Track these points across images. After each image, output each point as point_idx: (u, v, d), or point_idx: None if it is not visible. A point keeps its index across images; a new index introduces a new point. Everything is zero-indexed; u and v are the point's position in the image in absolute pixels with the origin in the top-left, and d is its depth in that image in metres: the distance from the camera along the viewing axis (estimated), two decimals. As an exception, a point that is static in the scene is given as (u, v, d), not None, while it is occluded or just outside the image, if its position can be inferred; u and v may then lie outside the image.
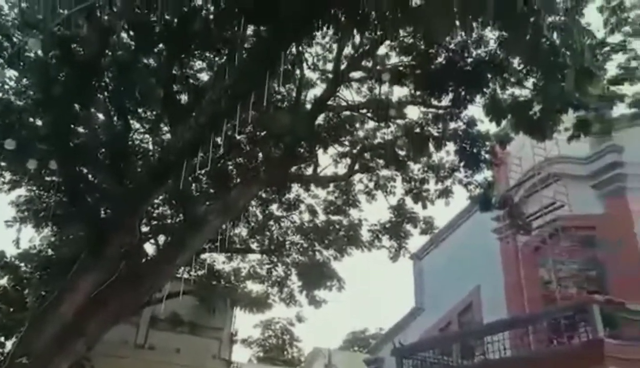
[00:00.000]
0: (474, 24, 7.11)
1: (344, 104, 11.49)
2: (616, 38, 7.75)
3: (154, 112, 12.00)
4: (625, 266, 13.28)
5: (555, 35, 6.61)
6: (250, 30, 7.96)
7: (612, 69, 7.86)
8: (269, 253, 16.82)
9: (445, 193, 12.55)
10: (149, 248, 14.94)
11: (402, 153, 12.14)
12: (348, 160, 13.41)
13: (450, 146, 11.20)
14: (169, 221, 15.46)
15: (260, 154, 12.29)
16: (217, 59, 10.62)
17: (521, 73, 8.00)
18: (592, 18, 7.72)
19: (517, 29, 6.38)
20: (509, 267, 16.78)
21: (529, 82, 8.14)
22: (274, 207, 15.75)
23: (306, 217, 15.98)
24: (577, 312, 10.51)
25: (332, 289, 16.31)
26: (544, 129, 7.93)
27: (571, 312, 10.87)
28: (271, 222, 16.08)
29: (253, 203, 14.92)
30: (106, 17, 8.21)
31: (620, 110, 8.28)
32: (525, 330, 11.97)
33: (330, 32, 9.98)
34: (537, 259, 15.90)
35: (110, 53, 9.83)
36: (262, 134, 11.91)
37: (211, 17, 8.38)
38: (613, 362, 9.24)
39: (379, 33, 8.92)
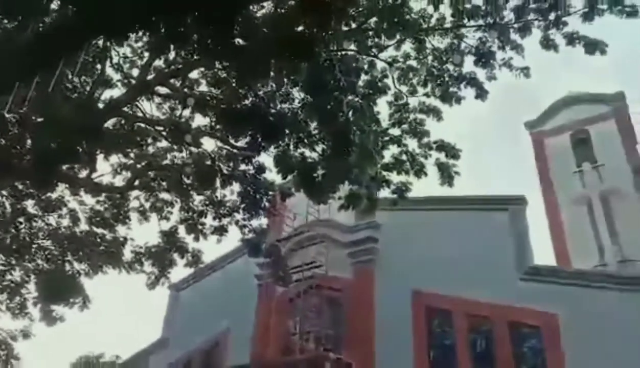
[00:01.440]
0: (286, 80, 7.54)
1: (140, 114, 10.92)
2: (396, 132, 8.95)
3: None
4: (359, 330, 14.84)
5: (350, 113, 7.40)
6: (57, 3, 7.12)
7: (387, 157, 8.99)
8: (8, 253, 14.56)
9: (221, 230, 12.56)
10: None
11: (187, 181, 11.92)
12: (129, 174, 12.63)
13: (236, 186, 11.37)
14: None
15: (29, 140, 10.81)
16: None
17: (314, 137, 8.59)
18: (382, 109, 8.83)
19: (321, 97, 6.95)
20: (262, 314, 17.40)
21: (319, 148, 8.76)
22: (29, 203, 13.85)
23: (65, 222, 14.40)
24: (311, 366, 11.31)
25: (73, 306, 14.67)
26: (322, 193, 8.58)
27: (307, 365, 11.65)
28: (21, 219, 14.05)
29: (4, 192, 12.94)
30: None
31: (384, 193, 9.43)
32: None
33: (146, 38, 9.54)
34: (289, 311, 16.81)
35: None
36: (38, 119, 10.54)
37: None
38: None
39: (195, 57, 8.83)
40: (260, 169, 10.86)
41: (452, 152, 8.67)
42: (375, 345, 14.47)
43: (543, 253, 20.26)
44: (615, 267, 19.00)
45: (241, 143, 10.04)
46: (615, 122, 22.88)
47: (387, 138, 8.80)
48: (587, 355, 11.65)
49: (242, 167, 11.05)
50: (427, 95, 8.71)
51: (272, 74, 6.21)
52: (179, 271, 14.82)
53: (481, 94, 8.29)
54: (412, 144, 8.95)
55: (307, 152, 9.04)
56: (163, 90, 10.71)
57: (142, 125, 11.57)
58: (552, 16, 7.56)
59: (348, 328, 15.46)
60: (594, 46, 7.37)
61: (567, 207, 22.17)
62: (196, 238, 13.13)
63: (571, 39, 7.54)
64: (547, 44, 7.74)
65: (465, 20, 7.89)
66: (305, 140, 8.69)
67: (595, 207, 21.49)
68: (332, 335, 15.52)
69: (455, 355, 13.64)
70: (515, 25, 7.74)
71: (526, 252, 13.98)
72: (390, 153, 9.00)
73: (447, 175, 8.62)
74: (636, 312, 11.74)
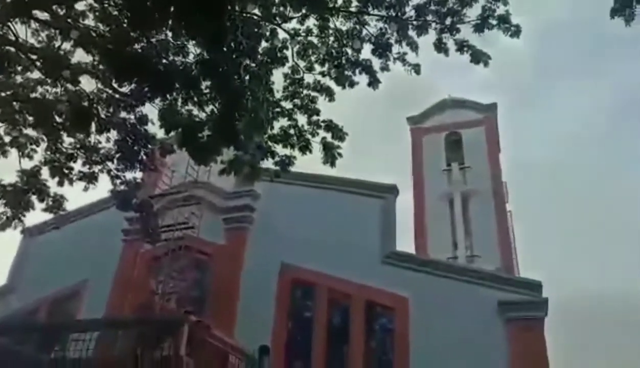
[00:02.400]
0: (184, 31, 7.21)
1: (12, 38, 9.77)
2: (288, 105, 8.98)
3: None
4: (223, 296, 14.89)
5: (246, 78, 7.29)
6: None
7: (275, 128, 8.99)
8: None
9: (90, 178, 11.71)
10: None
11: (58, 119, 10.94)
12: (-9, 102, 11.31)
13: (113, 134, 10.69)
14: None
15: None
16: None
17: (205, 96, 8.34)
18: (277, 80, 8.81)
19: (218, 56, 6.75)
20: (124, 269, 16.75)
21: (209, 108, 8.54)
22: None
23: None
24: (169, 326, 11.13)
25: None
26: (205, 154, 8.40)
27: (164, 325, 11.45)
28: None
29: None
30: None
31: (268, 164, 9.46)
32: (116, 333, 11.97)
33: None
34: (154, 269, 16.34)
35: None
36: None
37: None
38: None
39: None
40: (143, 119, 10.33)
41: (338, 133, 8.91)
42: (238, 312, 14.64)
43: (405, 242, 21.75)
44: (464, 260, 20.97)
45: (125, 89, 9.45)
46: (484, 129, 25.01)
47: (278, 109, 8.80)
48: (429, 337, 12.82)
49: (123, 114, 10.42)
50: (322, 74, 8.81)
51: (169, 22, 5.90)
52: (37, 215, 13.67)
53: (374, 82, 8.58)
54: (301, 119, 9.04)
55: (195, 111, 8.77)
56: (43, 15, 9.69)
57: (13, 50, 10.38)
58: (448, 21, 8.01)
59: (212, 293, 15.45)
60: (478, 57, 7.94)
61: (432, 201, 23.94)
62: (60, 183, 12.15)
63: (461, 46, 8.05)
64: (440, 46, 8.20)
65: (370, 8, 8.08)
66: (195, 98, 8.41)
67: (456, 205, 23.45)
68: (196, 298, 15.40)
69: (312, 327, 14.25)
70: (415, 23, 8.08)
71: (390, 238, 14.91)
72: (279, 125, 9.02)
73: (330, 155, 8.84)
74: (474, 302, 13.12)
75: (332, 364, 13.71)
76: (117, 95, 10.12)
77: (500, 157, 25.15)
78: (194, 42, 7.78)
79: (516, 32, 7.53)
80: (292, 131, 8.94)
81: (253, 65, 7.46)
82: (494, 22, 7.58)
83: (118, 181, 11.68)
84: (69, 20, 9.47)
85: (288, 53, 8.61)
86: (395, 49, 8.37)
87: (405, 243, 20.73)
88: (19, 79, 11.42)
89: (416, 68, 8.49)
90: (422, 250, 21.59)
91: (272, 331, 14.19)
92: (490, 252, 21.13)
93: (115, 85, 9.83)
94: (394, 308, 13.71)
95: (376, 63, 8.60)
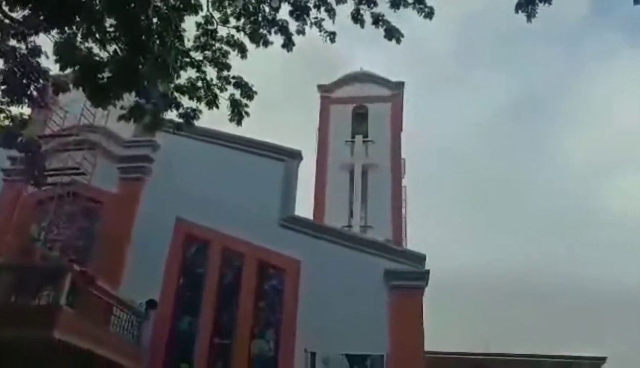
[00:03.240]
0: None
1: None
2: (198, 56, 8.64)
3: None
4: (112, 247, 14.34)
5: (155, 20, 6.89)
6: None
7: (182, 79, 8.64)
8: None
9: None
10: None
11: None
12: None
13: (0, 63, 9.71)
14: None
15: None
16: None
17: (109, 34, 7.79)
18: (189, 29, 8.42)
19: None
20: (3, 211, 15.55)
21: (111, 48, 7.99)
22: None
23: None
24: (49, 275, 10.57)
25: None
26: (104, 97, 7.88)
27: (44, 273, 10.85)
28: None
29: None
30: None
31: (171, 115, 9.10)
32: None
33: None
34: (37, 214, 15.33)
35: None
36: None
37: None
38: (66, 329, 9.63)
39: None
40: (35, 51, 9.47)
41: (248, 91, 8.74)
42: (127, 264, 14.21)
43: (304, 208, 22.12)
44: (358, 229, 21.79)
45: (18, 15, 8.57)
46: (390, 106, 25.82)
47: (187, 59, 8.43)
48: (318, 299, 13.31)
49: (13, 43, 9.47)
50: (237, 28, 8.55)
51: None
52: None
53: (289, 44, 8.49)
54: (211, 72, 8.75)
55: (96, 49, 8.17)
56: None
57: None
58: (367, -7, 8.06)
59: (101, 243, 14.81)
60: (392, 33, 8.11)
61: (334, 171, 24.48)
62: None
63: (376, 20, 8.16)
64: (356, 17, 8.25)
65: (292, -32, 7.93)
66: (97, 35, 7.81)
67: (356, 176, 24.17)
68: (82, 247, 14.69)
69: (204, 283, 14.20)
70: (334, -11, 8.05)
71: (290, 203, 15.13)
72: (186, 76, 8.67)
73: (237, 112, 8.67)
74: (363, 269, 13.77)
75: (221, 321, 13.82)
76: (7, 20, 9.17)
77: (402, 135, 26.14)
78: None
79: (429, 13, 7.74)
80: (200, 84, 8.63)
81: (164, 7, 7.07)
82: (410, 0, 7.74)
83: (2, 115, 10.69)
84: None
85: (203, 1, 8.24)
86: (313, 13, 8.31)
87: (304, 209, 21.14)
88: None
89: (332, 36, 8.50)
90: (320, 216, 22.11)
91: (162, 285, 13.97)
92: (383, 224, 22.13)
93: (6, 9, 8.89)
94: (286, 270, 14.02)
95: (293, 25, 8.50)
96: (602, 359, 40.45)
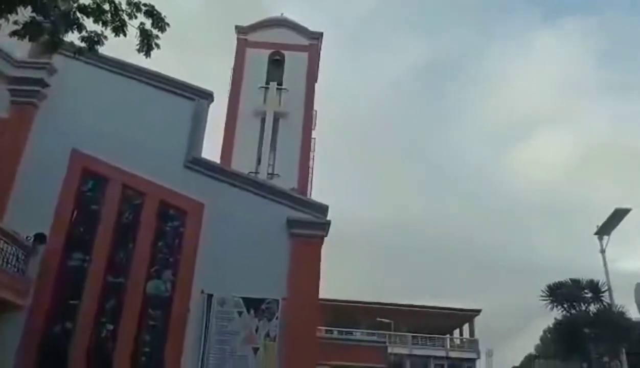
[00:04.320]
0: None
1: None
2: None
3: None
4: (-2, 174, 13.29)
5: None
6: None
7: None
8: None
9: None
10: None
11: None
12: None
13: None
14: None
15: None
16: None
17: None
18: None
19: None
20: None
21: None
22: None
23: None
24: None
25: None
26: (-6, 8, 7.11)
27: None
28: None
29: None
30: None
31: (72, 38, 8.40)
32: None
33: None
34: None
35: None
36: None
37: None
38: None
39: None
40: None
41: (160, 22, 8.21)
42: (13, 194, 13.26)
43: (212, 151, 21.70)
44: (265, 177, 21.84)
45: None
46: (307, 56, 25.66)
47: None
48: (219, 244, 13.32)
49: None
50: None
51: None
52: None
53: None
54: (120, -4, 8.13)
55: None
56: None
57: None
58: None
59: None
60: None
61: (245, 115, 24.15)
62: None
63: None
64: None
65: None
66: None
67: (267, 124, 24.03)
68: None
69: (99, 219, 13.63)
70: None
71: (197, 144, 14.74)
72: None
73: (147, 43, 8.17)
74: (266, 216, 13.93)
75: (116, 260, 13.41)
76: None
77: (316, 86, 26.17)
78: None
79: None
80: (107, 6, 7.99)
81: None
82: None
83: None
84: None
85: None
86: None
87: (212, 153, 20.77)
88: None
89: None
90: (227, 161, 21.84)
91: (53, 220, 13.22)
92: (290, 173, 22.36)
93: None
94: (189, 212, 13.81)
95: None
96: (477, 311, 44.56)
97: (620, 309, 14.48)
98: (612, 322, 13.93)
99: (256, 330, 12.90)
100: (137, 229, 13.63)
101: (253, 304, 13.07)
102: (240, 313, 13.02)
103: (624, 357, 13.23)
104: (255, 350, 12.70)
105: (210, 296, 13.07)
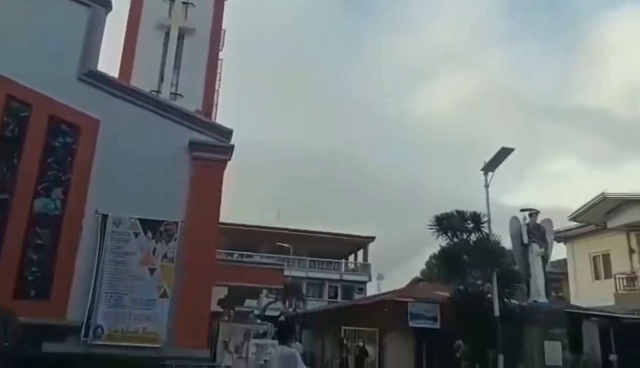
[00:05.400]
0: None
1: None
2: None
3: None
4: None
5: None
6: None
7: None
8: None
9: None
10: None
11: None
12: None
13: None
14: None
15: None
16: None
17: None
18: None
19: None
20: None
21: None
22: None
23: None
24: None
25: None
26: None
27: None
28: None
29: None
30: None
31: None
32: None
33: None
34: None
35: None
36: None
37: None
38: None
39: None
40: None
41: None
42: None
43: (110, 65, 20.26)
44: (167, 96, 20.94)
45: None
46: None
47: None
48: (115, 163, 12.82)
49: None
50: None
51: None
52: None
53: None
54: None
55: None
56: None
57: None
58: None
59: None
60: None
61: (148, 29, 22.65)
62: None
63: None
64: None
65: None
66: None
67: (172, 40, 22.76)
68: None
69: (-22, 132, 12.48)
70: None
71: (92, 56, 13.70)
72: None
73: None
74: (167, 137, 13.53)
75: (-2, 175, 12.47)
76: None
77: (225, 4, 24.93)
78: None
79: None
80: None
81: None
82: None
83: None
84: None
85: None
86: None
87: (111, 66, 19.43)
88: None
89: None
90: (126, 76, 20.53)
91: None
92: (194, 94, 21.54)
93: None
94: (82, 128, 13.01)
95: None
96: (372, 238, 47.16)
97: (496, 239, 15.96)
98: (488, 249, 15.36)
99: (153, 252, 12.79)
100: (22, 143, 12.66)
101: (151, 226, 12.88)
102: (136, 234, 12.80)
103: (494, 281, 14.72)
104: (152, 271, 12.65)
105: (105, 216, 12.67)
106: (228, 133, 14.05)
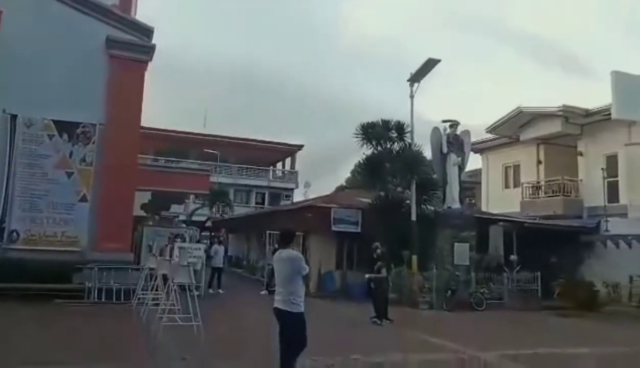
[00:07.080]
0: None
1: None
2: None
3: None
4: None
5: None
6: None
7: None
8: None
9: None
10: None
11: None
12: None
13: None
14: None
15: None
16: None
17: None
18: None
19: None
20: None
21: None
22: None
23: None
24: None
25: None
26: None
27: None
28: None
29: None
30: None
31: None
32: None
33: None
34: None
35: None
36: None
37: None
38: None
39: None
40: None
41: None
42: None
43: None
44: None
45: None
46: None
47: None
48: (23, 58, 11.88)
49: None
50: None
51: None
52: None
53: None
54: None
55: None
56: None
57: None
58: None
59: None
60: None
61: None
62: None
63: None
64: None
65: None
66: None
67: None
68: None
69: None
70: None
71: None
72: None
73: None
74: (82, 32, 12.60)
75: None
76: None
77: None
78: None
79: None
80: None
81: None
82: None
83: None
84: None
85: None
86: None
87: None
88: None
89: None
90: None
91: None
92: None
93: None
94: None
95: None
96: (300, 146, 47.45)
97: (418, 149, 16.55)
98: (409, 158, 15.94)
99: (70, 155, 12.28)
100: None
101: (66, 128, 12.27)
102: (51, 136, 12.18)
103: (414, 188, 15.44)
104: (70, 174, 12.21)
105: (14, 116, 11.90)
106: (149, 31, 13.24)
